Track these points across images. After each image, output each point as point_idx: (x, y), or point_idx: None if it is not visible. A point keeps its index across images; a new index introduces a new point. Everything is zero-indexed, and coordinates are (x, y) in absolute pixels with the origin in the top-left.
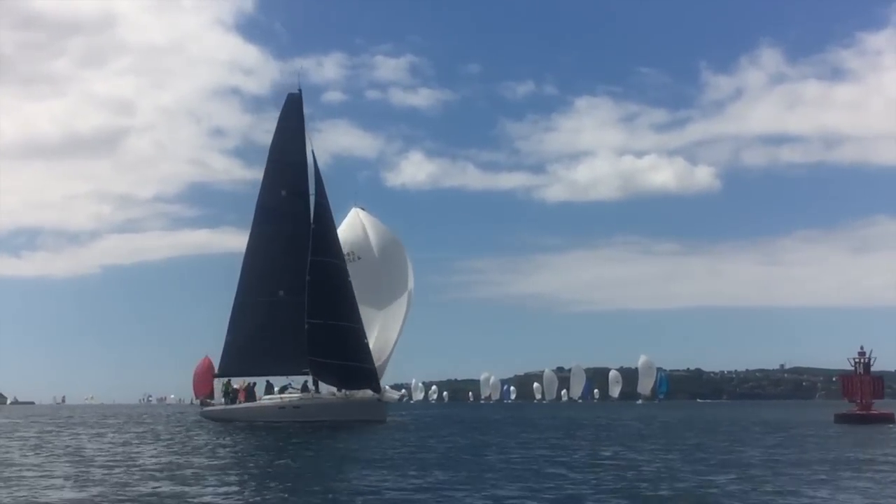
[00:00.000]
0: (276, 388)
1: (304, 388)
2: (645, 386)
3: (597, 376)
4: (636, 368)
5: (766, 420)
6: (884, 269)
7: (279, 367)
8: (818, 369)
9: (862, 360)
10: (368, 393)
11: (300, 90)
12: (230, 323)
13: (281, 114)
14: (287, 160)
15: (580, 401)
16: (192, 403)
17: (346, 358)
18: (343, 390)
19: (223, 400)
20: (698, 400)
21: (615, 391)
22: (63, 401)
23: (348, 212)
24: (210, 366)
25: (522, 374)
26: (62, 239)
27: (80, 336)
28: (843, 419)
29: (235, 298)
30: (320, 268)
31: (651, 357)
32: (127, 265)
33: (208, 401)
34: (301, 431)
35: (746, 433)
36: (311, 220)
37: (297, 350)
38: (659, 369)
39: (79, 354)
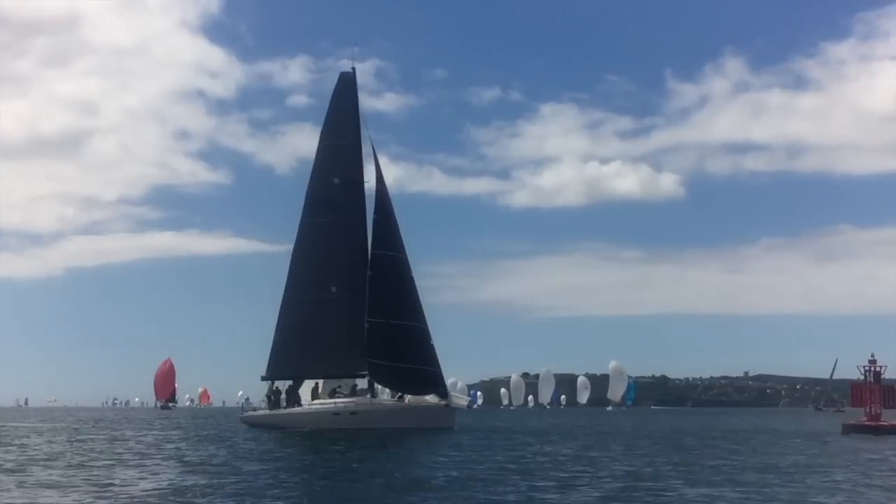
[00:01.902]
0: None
1: (354, 392)
2: (615, 392)
3: (562, 382)
4: (601, 375)
5: (776, 430)
6: (847, 278)
7: (332, 368)
8: (782, 377)
9: (872, 369)
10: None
11: (353, 69)
12: (278, 321)
13: (333, 94)
14: (340, 145)
15: (548, 407)
16: (156, 407)
17: (410, 360)
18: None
19: (265, 404)
20: (652, 406)
21: (583, 397)
22: (26, 403)
23: None
24: (171, 368)
25: (488, 379)
26: (26, 240)
27: (43, 338)
28: (851, 430)
29: (284, 295)
30: (382, 262)
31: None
32: (91, 267)
33: (170, 404)
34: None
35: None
36: (374, 211)
37: (352, 351)
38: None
39: (41, 356)
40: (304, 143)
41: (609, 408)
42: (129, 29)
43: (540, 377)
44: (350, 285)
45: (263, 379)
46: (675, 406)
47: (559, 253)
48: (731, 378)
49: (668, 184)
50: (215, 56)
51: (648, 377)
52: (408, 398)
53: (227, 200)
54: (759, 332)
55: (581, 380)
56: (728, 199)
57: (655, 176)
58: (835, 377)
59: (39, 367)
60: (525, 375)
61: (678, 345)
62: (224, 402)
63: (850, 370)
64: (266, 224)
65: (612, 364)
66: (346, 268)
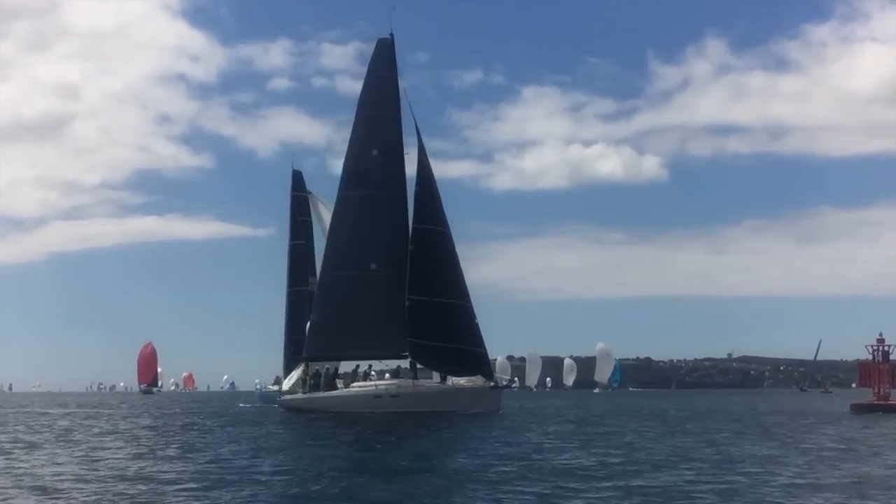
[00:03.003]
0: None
1: (396, 374)
2: (602, 374)
3: (547, 364)
4: (585, 357)
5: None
6: (829, 260)
7: (372, 350)
8: (766, 358)
9: (881, 348)
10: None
11: (392, 35)
12: (315, 301)
13: (370, 62)
14: (378, 115)
15: (534, 389)
16: (141, 391)
17: (453, 340)
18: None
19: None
20: (630, 389)
21: (570, 380)
22: (10, 388)
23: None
24: (153, 352)
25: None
26: (8, 225)
27: (26, 323)
28: (860, 409)
29: (321, 273)
30: (424, 237)
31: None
32: (73, 252)
33: (153, 389)
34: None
35: None
36: (415, 183)
37: (393, 331)
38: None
39: (24, 342)
40: (285, 126)
41: (596, 390)
42: (110, 12)
43: (527, 359)
44: (391, 262)
45: (301, 360)
46: (659, 388)
47: (542, 235)
48: (714, 359)
49: (651, 166)
50: (196, 40)
51: (633, 359)
52: (452, 380)
53: (210, 184)
54: (741, 313)
55: (567, 362)
56: (710, 181)
57: (638, 158)
58: (818, 358)
59: (22, 352)
60: (510, 358)
61: (661, 326)
62: (209, 387)
63: (833, 351)
64: (248, 208)
65: (600, 346)
66: (386, 243)
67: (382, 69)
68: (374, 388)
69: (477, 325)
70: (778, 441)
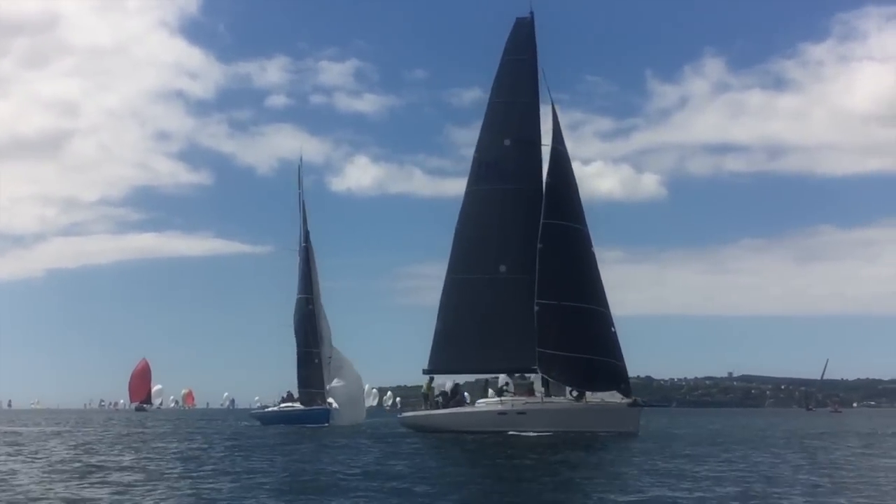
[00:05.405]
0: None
1: (531, 389)
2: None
3: (550, 381)
4: None
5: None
6: (827, 279)
7: (501, 362)
8: (766, 377)
9: None
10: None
11: (532, 13)
12: (439, 307)
13: (507, 44)
14: (512, 101)
15: None
16: (137, 409)
17: (587, 350)
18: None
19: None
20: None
21: None
22: (9, 405)
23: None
24: (146, 368)
25: (473, 379)
26: (6, 241)
27: (24, 340)
28: None
29: (446, 276)
30: (556, 233)
31: None
32: (72, 268)
33: (145, 406)
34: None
35: None
36: (547, 174)
37: (524, 341)
38: None
39: (22, 358)
40: (284, 143)
41: None
42: (108, 29)
43: (533, 377)
44: (523, 264)
45: (425, 372)
46: (658, 407)
47: None
48: (715, 378)
49: (650, 184)
50: (194, 56)
51: (633, 378)
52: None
53: (208, 201)
54: (741, 332)
55: None
56: (709, 200)
57: (636, 176)
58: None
59: (21, 368)
60: (516, 377)
61: (661, 345)
62: (208, 404)
63: (833, 370)
64: (248, 225)
65: None
66: (517, 243)
67: (519, 51)
68: (499, 404)
69: (615, 333)
70: None
